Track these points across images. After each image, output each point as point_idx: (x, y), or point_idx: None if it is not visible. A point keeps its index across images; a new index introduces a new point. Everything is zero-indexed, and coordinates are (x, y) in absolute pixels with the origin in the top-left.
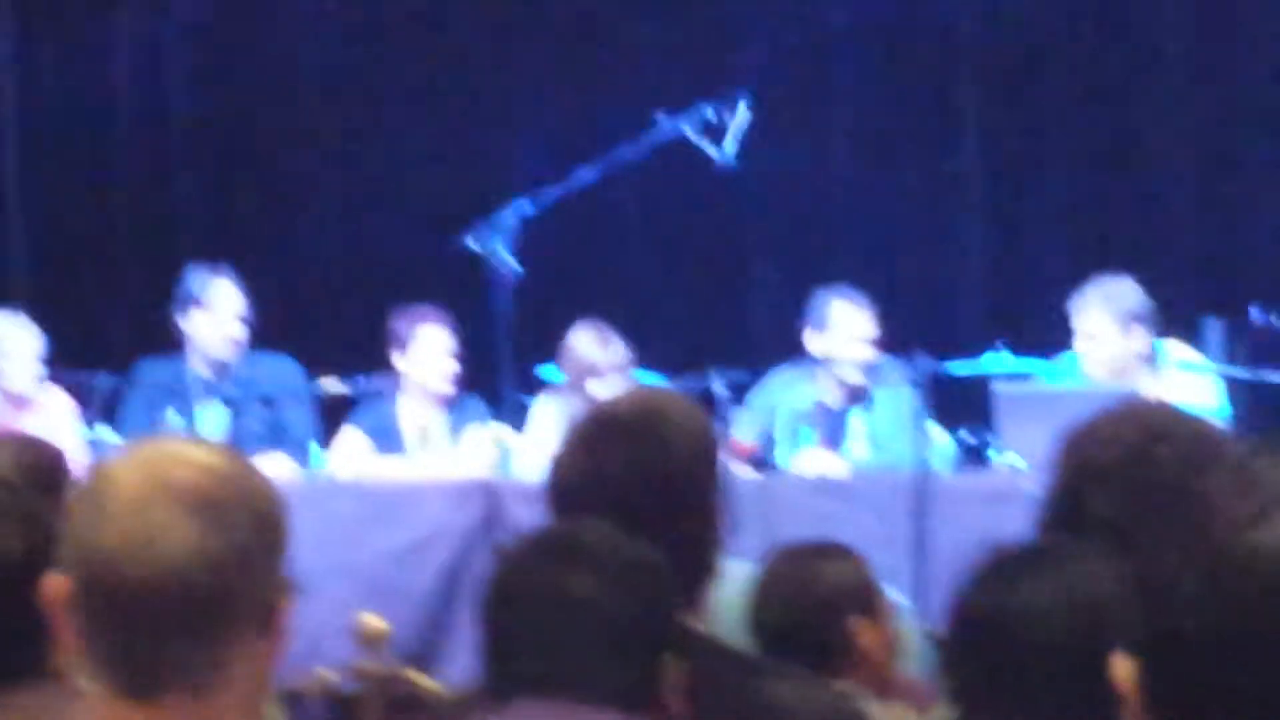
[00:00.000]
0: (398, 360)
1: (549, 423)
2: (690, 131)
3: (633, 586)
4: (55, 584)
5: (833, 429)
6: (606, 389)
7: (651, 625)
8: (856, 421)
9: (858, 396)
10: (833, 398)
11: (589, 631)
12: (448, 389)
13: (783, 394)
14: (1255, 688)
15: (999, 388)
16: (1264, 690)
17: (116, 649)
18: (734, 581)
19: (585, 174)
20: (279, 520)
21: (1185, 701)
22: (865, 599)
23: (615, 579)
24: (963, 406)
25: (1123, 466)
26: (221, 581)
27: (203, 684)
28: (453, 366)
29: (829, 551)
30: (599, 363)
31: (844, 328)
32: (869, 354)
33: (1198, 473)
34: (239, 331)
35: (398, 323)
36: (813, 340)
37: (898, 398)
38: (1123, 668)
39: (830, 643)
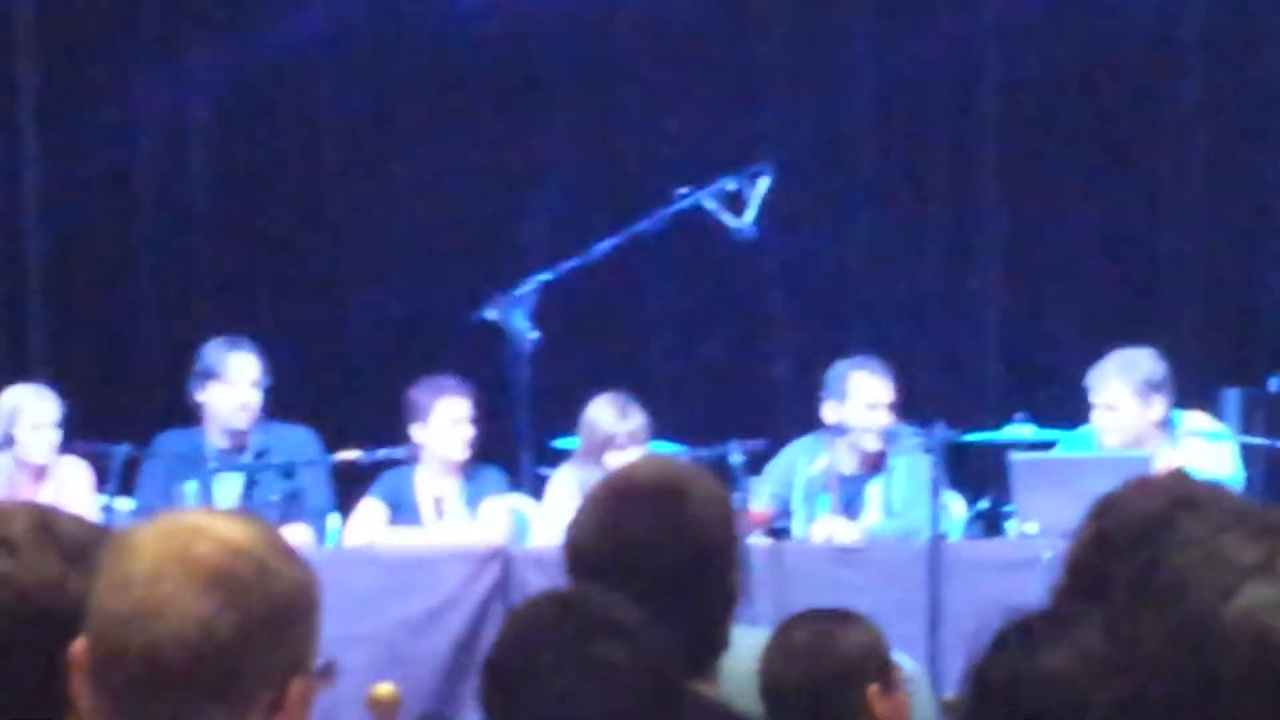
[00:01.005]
0: (416, 432)
1: (566, 493)
2: (711, 204)
3: (648, 653)
4: (77, 647)
5: (849, 497)
6: (624, 460)
7: (665, 691)
8: (873, 489)
9: (875, 465)
10: (849, 465)
11: (605, 696)
12: (464, 455)
13: (800, 462)
14: None
15: (1015, 456)
16: None
17: (122, 716)
18: (746, 648)
19: (605, 245)
20: (301, 601)
21: None
22: (881, 667)
23: (632, 645)
24: (981, 476)
25: (1145, 534)
26: (226, 658)
27: None
28: (469, 433)
29: (846, 618)
30: (617, 434)
31: (861, 396)
32: (885, 420)
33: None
34: (255, 399)
35: (416, 394)
36: (831, 411)
37: (915, 465)
38: None
39: (846, 711)
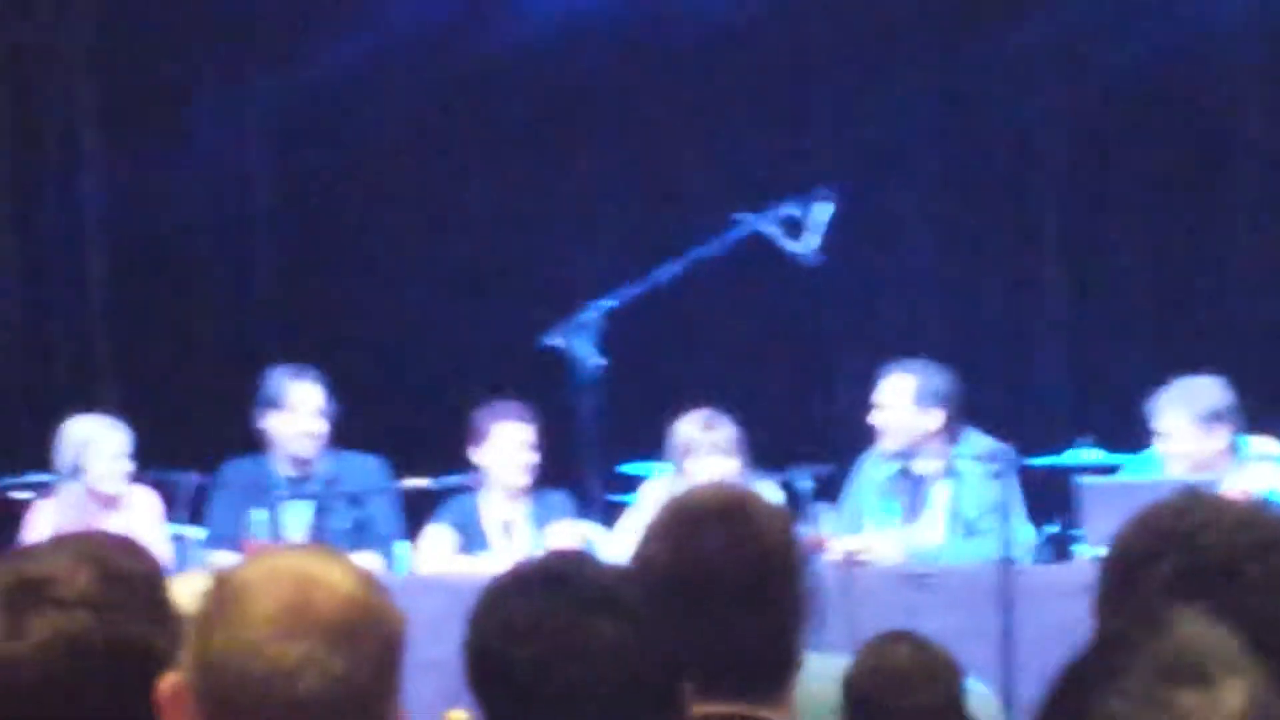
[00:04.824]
0: (477, 456)
1: (649, 505)
2: (770, 228)
3: (653, 636)
4: (173, 684)
5: (914, 498)
6: (708, 470)
7: (670, 675)
8: (939, 490)
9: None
10: (919, 468)
11: (611, 680)
12: (523, 482)
13: (870, 469)
14: None
15: (1082, 480)
16: None
17: None
18: (818, 675)
19: (667, 270)
20: (402, 640)
21: None
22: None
23: (637, 627)
24: (1048, 499)
25: (1169, 551)
26: (358, 705)
27: None
28: (530, 459)
29: (929, 644)
30: (699, 442)
31: (882, 396)
32: (905, 416)
33: (1245, 558)
34: (319, 427)
35: (477, 418)
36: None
37: (985, 482)
38: None
39: None
